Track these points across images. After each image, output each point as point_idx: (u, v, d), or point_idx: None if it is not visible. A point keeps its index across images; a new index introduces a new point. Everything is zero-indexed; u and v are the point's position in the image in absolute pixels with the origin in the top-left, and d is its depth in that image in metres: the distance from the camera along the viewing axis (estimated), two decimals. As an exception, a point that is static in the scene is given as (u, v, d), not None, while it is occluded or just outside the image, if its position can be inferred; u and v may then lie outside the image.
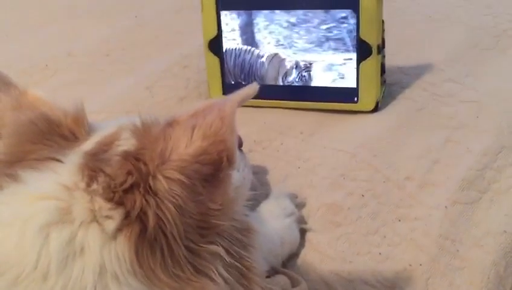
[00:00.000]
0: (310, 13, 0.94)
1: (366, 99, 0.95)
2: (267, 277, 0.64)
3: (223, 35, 0.99)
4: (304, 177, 0.81)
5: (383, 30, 0.94)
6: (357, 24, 0.91)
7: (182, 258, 0.38)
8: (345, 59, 0.94)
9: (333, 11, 0.92)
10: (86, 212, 0.36)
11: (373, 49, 0.92)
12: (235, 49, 0.99)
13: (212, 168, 0.39)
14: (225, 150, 0.40)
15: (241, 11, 0.97)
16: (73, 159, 0.40)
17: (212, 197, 0.40)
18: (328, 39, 0.94)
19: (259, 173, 0.82)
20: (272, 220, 0.70)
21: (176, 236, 0.37)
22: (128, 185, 0.37)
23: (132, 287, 0.36)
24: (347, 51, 0.93)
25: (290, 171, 0.83)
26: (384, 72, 0.97)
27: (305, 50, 0.96)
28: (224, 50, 0.99)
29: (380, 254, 0.68)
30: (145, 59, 1.21)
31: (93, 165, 0.38)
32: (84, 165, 0.39)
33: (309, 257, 0.69)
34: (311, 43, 0.95)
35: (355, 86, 0.94)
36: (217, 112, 0.40)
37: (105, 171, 0.38)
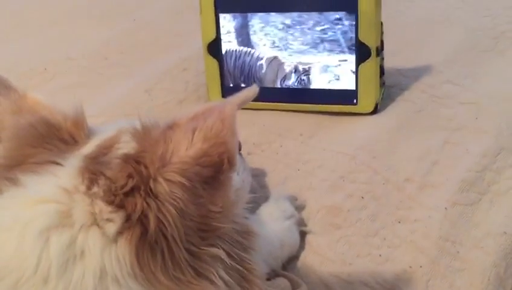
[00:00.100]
0: (305, 15, 0.94)
1: (365, 102, 0.95)
2: (268, 279, 0.64)
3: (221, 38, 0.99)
4: (304, 180, 0.81)
5: (382, 32, 0.94)
6: (356, 26, 0.91)
7: (183, 261, 0.38)
8: (340, 60, 0.94)
9: (327, 13, 0.92)
10: (86, 215, 0.36)
11: (372, 51, 0.92)
12: (235, 50, 0.99)
13: (213, 171, 0.39)
14: (226, 152, 0.40)
15: (236, 13, 0.97)
16: (73, 162, 0.40)
17: (213, 200, 0.40)
18: (322, 41, 0.94)
19: (259, 176, 0.82)
20: (272, 223, 0.70)
21: (177, 239, 0.37)
22: (129, 188, 0.37)
23: (132, 290, 0.36)
24: (342, 52, 0.94)
25: (289, 174, 0.83)
26: (383, 74, 0.97)
27: (301, 52, 0.96)
28: (224, 52, 0.99)
29: (380, 256, 0.68)
30: (144, 62, 1.21)
31: (94, 168, 0.38)
32: (84, 169, 0.39)
33: (309, 259, 0.69)
34: (306, 44, 0.95)
35: (354, 88, 0.95)
36: (218, 114, 0.40)
37: (105, 174, 0.38)
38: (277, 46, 0.97)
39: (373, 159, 0.84)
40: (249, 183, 0.70)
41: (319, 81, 0.96)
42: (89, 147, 0.42)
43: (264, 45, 0.97)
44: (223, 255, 0.40)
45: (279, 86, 0.99)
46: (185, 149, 0.39)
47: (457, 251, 0.68)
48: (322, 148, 0.88)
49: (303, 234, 0.72)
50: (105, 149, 0.41)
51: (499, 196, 0.75)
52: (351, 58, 0.93)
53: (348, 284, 0.65)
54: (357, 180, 0.80)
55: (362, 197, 0.77)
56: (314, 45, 0.95)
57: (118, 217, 0.36)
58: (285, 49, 0.96)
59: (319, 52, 0.95)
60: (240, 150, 0.73)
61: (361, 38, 0.91)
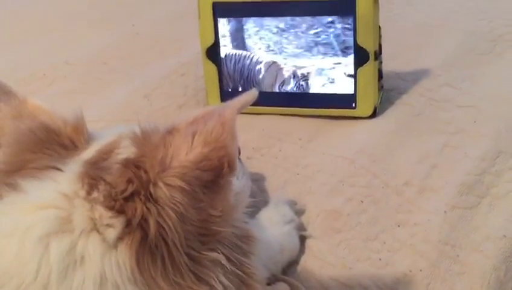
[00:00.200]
0: (298, 18, 0.94)
1: (364, 105, 0.95)
2: (268, 284, 0.64)
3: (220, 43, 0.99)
4: (303, 184, 0.81)
5: (380, 36, 0.94)
6: (354, 30, 0.91)
7: (183, 266, 0.38)
8: (334, 63, 0.95)
9: (320, 16, 0.92)
10: (86, 220, 0.36)
11: (370, 55, 0.92)
12: (235, 54, 0.99)
13: (213, 175, 0.39)
14: (226, 156, 0.40)
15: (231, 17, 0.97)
16: (73, 167, 0.40)
17: (213, 204, 0.40)
18: (316, 44, 0.94)
19: (258, 180, 0.82)
20: (272, 227, 0.70)
21: (177, 243, 0.37)
22: (129, 193, 0.37)
23: (133, 295, 0.36)
24: (335, 55, 0.94)
25: (289, 178, 0.83)
26: (381, 77, 0.98)
27: (295, 55, 0.96)
28: (224, 55, 1.00)
29: (380, 259, 0.68)
30: (143, 67, 1.22)
31: (94, 174, 0.38)
32: (84, 174, 0.39)
33: (309, 263, 0.69)
34: (300, 48, 0.96)
35: (352, 92, 0.95)
36: (217, 118, 0.40)
37: (105, 180, 0.38)
38: (272, 50, 0.97)
39: (372, 163, 0.84)
40: (249, 187, 0.70)
41: (317, 86, 0.97)
42: (88, 152, 0.42)
43: (259, 48, 0.97)
44: (223, 259, 0.40)
45: (277, 90, 0.99)
46: (184, 153, 0.39)
47: (457, 255, 0.68)
48: (321, 152, 0.88)
49: (303, 239, 0.72)
50: (105, 154, 0.41)
51: (498, 199, 0.75)
52: (345, 60, 0.94)
53: (348, 288, 0.65)
54: (356, 184, 0.80)
55: (362, 201, 0.77)
56: (308, 48, 0.95)
57: (118, 223, 0.36)
58: (280, 53, 0.97)
59: (313, 55, 0.95)
60: (239, 154, 0.73)
61: (360, 42, 0.92)
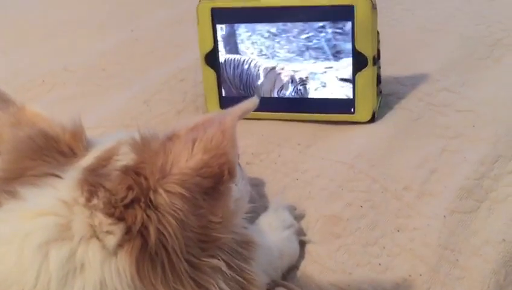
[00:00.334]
0: (290, 23, 0.94)
1: (363, 110, 0.95)
2: (267, 289, 0.63)
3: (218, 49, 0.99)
4: (302, 189, 0.81)
5: (378, 41, 0.95)
6: (353, 36, 0.91)
7: (183, 273, 0.38)
8: (326, 68, 0.95)
9: (318, 22, 0.93)
10: (85, 227, 0.36)
11: (369, 60, 0.92)
12: (234, 59, 0.99)
13: (213, 181, 0.40)
14: (226, 163, 0.40)
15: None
16: (72, 174, 0.40)
17: (213, 210, 0.40)
18: (308, 48, 0.95)
19: (258, 186, 0.82)
20: (271, 233, 0.69)
21: (177, 250, 0.37)
22: (129, 200, 0.37)
23: (132, 302, 0.36)
24: (327, 59, 0.94)
25: (288, 183, 0.83)
26: (380, 82, 0.98)
27: (287, 60, 0.96)
28: (224, 60, 1.00)
29: (379, 264, 0.68)
30: (141, 73, 1.22)
31: (93, 181, 0.38)
32: (83, 181, 0.39)
33: (309, 268, 0.69)
34: (292, 52, 0.96)
35: (351, 96, 0.95)
36: (218, 125, 0.40)
37: (105, 186, 0.38)
38: (264, 54, 0.97)
39: (371, 167, 0.84)
40: (248, 193, 0.70)
41: (313, 91, 0.97)
42: (88, 159, 0.42)
43: (252, 53, 0.98)
44: (223, 266, 0.40)
45: (276, 95, 0.99)
46: (185, 160, 0.39)
47: (457, 259, 0.68)
48: (320, 157, 0.88)
49: (302, 244, 0.71)
50: (104, 161, 0.41)
51: (497, 203, 0.75)
52: (337, 65, 0.94)
53: (348, 293, 0.65)
54: (355, 189, 0.80)
55: (361, 206, 0.77)
56: (300, 53, 0.95)
57: (118, 230, 0.36)
58: (273, 58, 0.97)
59: (305, 59, 0.95)
60: (238, 159, 0.73)
61: (358, 47, 0.92)
